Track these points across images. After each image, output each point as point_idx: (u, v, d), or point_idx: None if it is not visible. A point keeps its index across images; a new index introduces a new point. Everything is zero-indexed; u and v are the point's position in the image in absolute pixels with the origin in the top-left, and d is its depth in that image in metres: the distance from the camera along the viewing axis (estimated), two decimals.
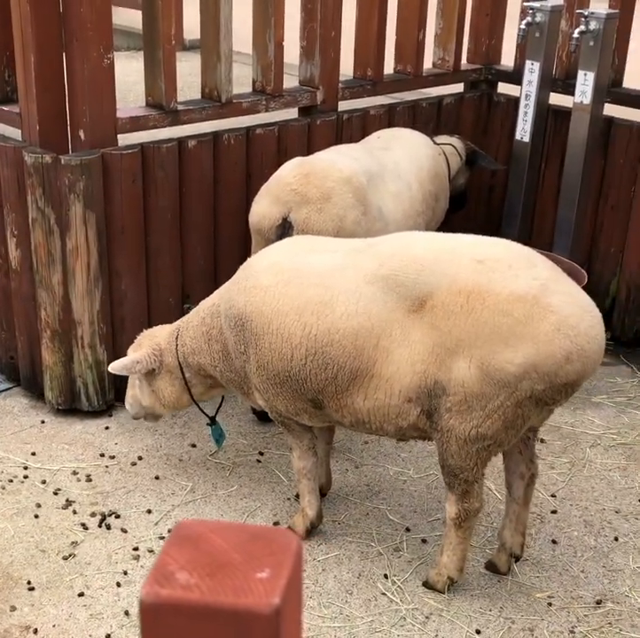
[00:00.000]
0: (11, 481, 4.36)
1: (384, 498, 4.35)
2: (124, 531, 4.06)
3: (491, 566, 3.89)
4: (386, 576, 3.85)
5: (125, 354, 4.78)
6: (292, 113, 5.52)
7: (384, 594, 3.75)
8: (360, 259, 3.52)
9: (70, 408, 4.87)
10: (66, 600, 3.67)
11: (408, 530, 4.13)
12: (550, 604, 3.73)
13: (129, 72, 10.71)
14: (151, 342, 4.19)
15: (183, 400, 4.23)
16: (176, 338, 4.12)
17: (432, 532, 4.11)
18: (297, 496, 4.16)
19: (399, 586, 3.79)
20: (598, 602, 3.74)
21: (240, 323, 3.70)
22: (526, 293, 3.22)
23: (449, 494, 3.56)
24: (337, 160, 4.48)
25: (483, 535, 4.11)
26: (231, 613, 1.01)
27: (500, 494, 4.30)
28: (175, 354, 4.11)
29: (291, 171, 4.37)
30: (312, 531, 4.02)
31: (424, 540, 4.06)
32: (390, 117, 5.67)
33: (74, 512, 4.17)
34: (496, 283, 3.25)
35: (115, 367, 4.17)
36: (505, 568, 3.86)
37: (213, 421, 4.39)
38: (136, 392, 4.28)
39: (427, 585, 3.78)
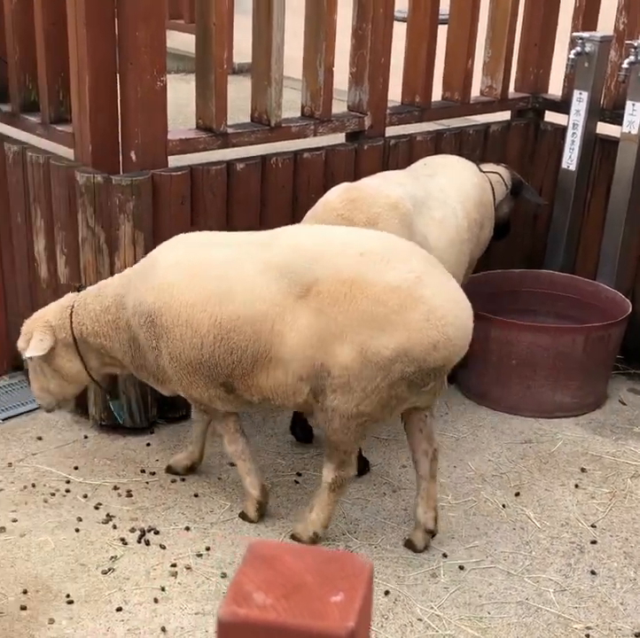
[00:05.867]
0: (54, 495, 4.42)
1: None
2: (163, 547, 4.09)
3: (409, 544, 4.16)
4: (422, 602, 3.84)
5: None
6: (339, 138, 5.57)
7: (420, 619, 3.75)
8: (254, 251, 3.80)
9: (113, 424, 4.93)
10: (104, 614, 3.70)
11: (445, 556, 4.13)
12: (588, 636, 3.69)
13: (180, 94, 10.84)
14: (39, 323, 4.25)
15: (83, 375, 4.34)
16: (70, 314, 4.21)
17: (469, 558, 4.10)
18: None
19: (435, 612, 3.79)
20: (637, 635, 3.71)
21: (150, 320, 3.91)
22: (401, 285, 3.54)
23: (328, 463, 3.92)
24: (384, 186, 4.51)
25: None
26: (307, 635, 1.03)
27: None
28: (70, 331, 4.20)
29: (338, 196, 4.40)
30: (262, 510, 4.25)
31: (461, 567, 4.05)
32: (437, 144, 5.70)
33: (114, 527, 4.21)
34: (375, 274, 3.56)
35: (23, 348, 4.25)
36: (422, 544, 4.13)
37: (112, 395, 4.63)
38: (41, 381, 4.38)
39: (294, 537, 4.10)
